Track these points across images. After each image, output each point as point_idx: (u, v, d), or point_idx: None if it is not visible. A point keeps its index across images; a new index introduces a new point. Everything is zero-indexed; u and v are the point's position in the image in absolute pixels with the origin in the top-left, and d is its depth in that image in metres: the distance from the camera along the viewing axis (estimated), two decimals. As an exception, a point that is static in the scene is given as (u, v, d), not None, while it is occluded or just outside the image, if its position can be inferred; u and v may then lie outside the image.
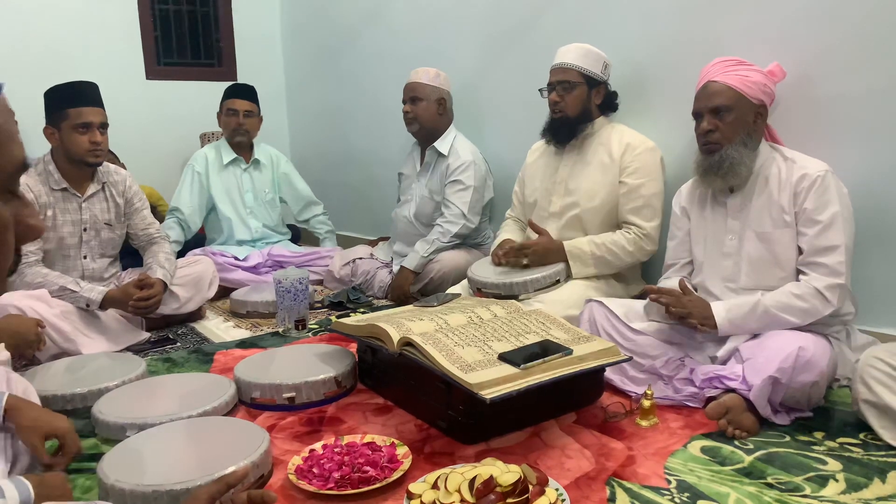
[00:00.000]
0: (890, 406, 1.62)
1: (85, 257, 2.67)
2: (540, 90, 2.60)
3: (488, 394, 1.54)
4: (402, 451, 1.60)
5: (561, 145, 2.61)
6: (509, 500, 1.33)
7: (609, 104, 2.57)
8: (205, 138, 4.38)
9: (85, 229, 2.65)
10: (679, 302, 1.96)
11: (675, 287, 2.04)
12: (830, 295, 1.83)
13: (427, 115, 3.14)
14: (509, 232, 2.80)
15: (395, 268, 3.24)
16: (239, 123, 3.55)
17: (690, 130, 2.07)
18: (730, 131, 1.94)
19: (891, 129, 2.03)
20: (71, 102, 2.50)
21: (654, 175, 2.47)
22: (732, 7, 2.33)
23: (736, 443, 1.68)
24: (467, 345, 1.76)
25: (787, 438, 1.70)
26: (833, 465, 1.56)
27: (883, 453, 1.61)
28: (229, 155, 3.62)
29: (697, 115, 2.01)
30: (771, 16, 2.23)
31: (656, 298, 1.99)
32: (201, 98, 4.38)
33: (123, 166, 3.97)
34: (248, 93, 3.60)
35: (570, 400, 1.86)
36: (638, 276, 2.67)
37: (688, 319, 1.94)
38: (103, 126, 2.57)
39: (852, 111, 2.09)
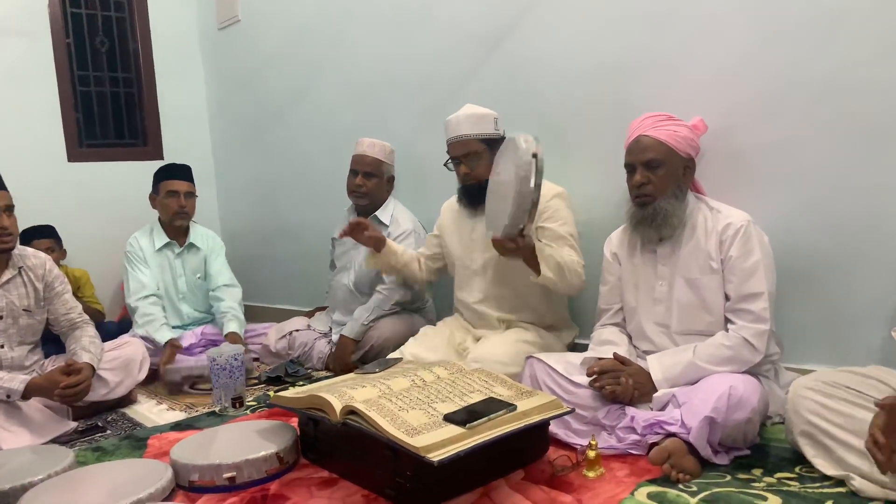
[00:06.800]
0: (827, 431, 1.67)
1: (2, 346, 2.54)
2: (445, 165, 2.64)
3: (435, 456, 1.53)
4: (350, 523, 1.57)
5: (477, 206, 2.58)
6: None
7: None
8: None
9: (1, 317, 2.53)
10: (621, 380, 1.97)
11: (609, 357, 2.06)
12: (758, 342, 1.92)
13: (378, 191, 3.19)
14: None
15: (335, 337, 3.20)
16: (181, 206, 3.41)
17: (611, 182, 2.14)
18: (662, 184, 2.04)
19: (796, 177, 2.17)
20: None
21: (568, 218, 2.48)
22: (641, 71, 2.49)
23: (680, 486, 1.71)
24: (412, 408, 1.75)
25: (728, 478, 1.74)
26: (773, 500, 1.61)
27: (818, 484, 1.67)
28: (162, 239, 3.47)
29: (630, 167, 2.10)
30: (678, 77, 2.39)
31: (599, 385, 1.99)
32: (127, 179, 4.29)
33: (65, 252, 3.83)
34: (186, 173, 3.49)
35: (517, 457, 1.86)
36: (570, 323, 2.70)
37: (632, 400, 1.97)
38: (9, 209, 2.50)
39: (759, 162, 2.23)
